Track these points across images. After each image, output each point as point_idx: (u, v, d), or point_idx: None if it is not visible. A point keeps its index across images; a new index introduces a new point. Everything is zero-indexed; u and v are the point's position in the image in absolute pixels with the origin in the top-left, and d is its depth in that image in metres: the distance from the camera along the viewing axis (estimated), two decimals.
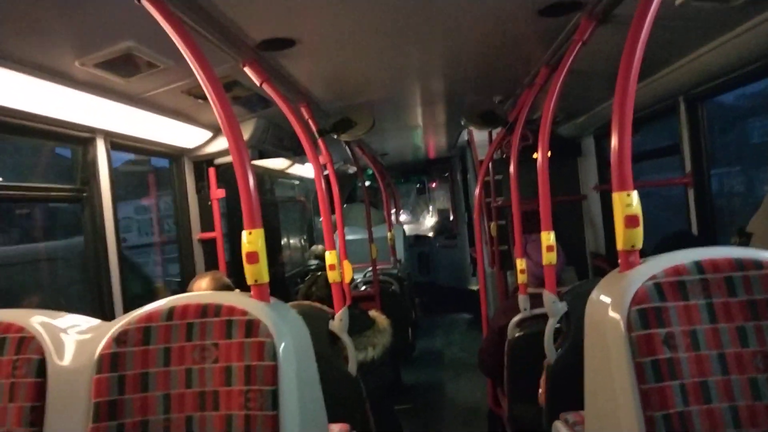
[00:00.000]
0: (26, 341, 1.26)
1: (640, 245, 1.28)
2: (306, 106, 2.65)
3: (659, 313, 1.18)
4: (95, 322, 1.40)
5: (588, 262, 4.38)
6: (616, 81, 1.30)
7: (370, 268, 4.33)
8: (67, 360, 1.26)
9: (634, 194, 1.28)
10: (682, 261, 1.23)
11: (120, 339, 1.23)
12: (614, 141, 1.30)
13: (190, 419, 1.19)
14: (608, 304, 1.24)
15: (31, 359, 1.24)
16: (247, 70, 1.98)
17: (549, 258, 2.14)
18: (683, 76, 2.45)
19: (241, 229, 1.32)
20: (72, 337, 1.30)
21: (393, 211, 6.94)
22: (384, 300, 4.22)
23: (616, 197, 1.29)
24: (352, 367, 2.14)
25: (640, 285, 1.20)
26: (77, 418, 1.19)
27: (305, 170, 5.59)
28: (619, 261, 1.30)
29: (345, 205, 7.27)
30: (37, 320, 1.32)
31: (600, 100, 3.33)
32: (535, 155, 2.20)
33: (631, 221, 1.27)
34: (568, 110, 3.71)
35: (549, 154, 2.14)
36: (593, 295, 1.34)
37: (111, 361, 1.21)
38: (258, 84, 2.04)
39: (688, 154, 2.79)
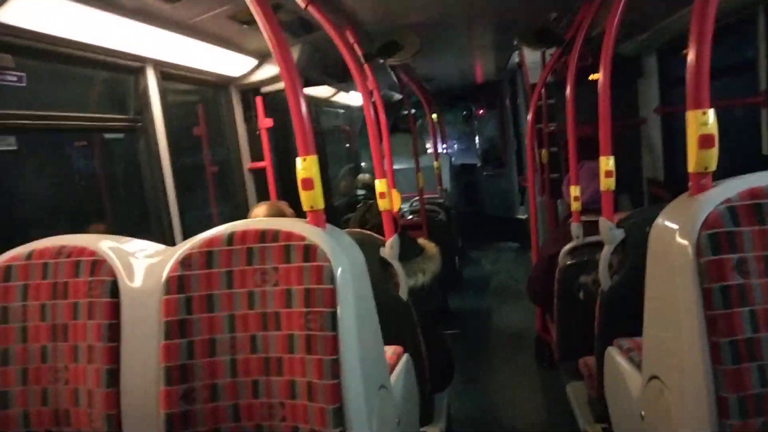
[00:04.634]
0: (99, 264, 1.33)
1: (713, 167, 1.20)
2: (351, 29, 2.56)
3: (732, 238, 1.12)
4: (160, 247, 1.45)
5: (644, 189, 4.22)
6: None
7: (417, 198, 4.32)
8: (137, 282, 1.33)
9: (711, 113, 1.19)
10: (758, 183, 1.16)
11: (185, 262, 1.28)
12: (692, 55, 1.19)
13: (254, 337, 1.24)
14: (676, 230, 1.18)
15: (105, 281, 1.31)
16: None
17: (607, 184, 2.07)
18: None
19: (288, 157, 1.31)
20: (140, 260, 1.36)
21: (439, 139, 6.81)
22: (431, 229, 4.23)
23: (691, 115, 1.20)
24: (403, 293, 2.18)
25: (712, 209, 1.14)
26: (150, 336, 1.26)
27: (350, 99, 5.51)
28: (690, 184, 1.22)
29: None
30: (106, 245, 1.38)
31: (667, 14, 3.06)
32: (592, 76, 2.07)
33: (705, 141, 1.18)
34: (629, 26, 3.44)
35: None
36: (659, 220, 1.28)
37: (178, 283, 1.26)
38: (303, 6, 1.97)
39: (765, 71, 2.57)
